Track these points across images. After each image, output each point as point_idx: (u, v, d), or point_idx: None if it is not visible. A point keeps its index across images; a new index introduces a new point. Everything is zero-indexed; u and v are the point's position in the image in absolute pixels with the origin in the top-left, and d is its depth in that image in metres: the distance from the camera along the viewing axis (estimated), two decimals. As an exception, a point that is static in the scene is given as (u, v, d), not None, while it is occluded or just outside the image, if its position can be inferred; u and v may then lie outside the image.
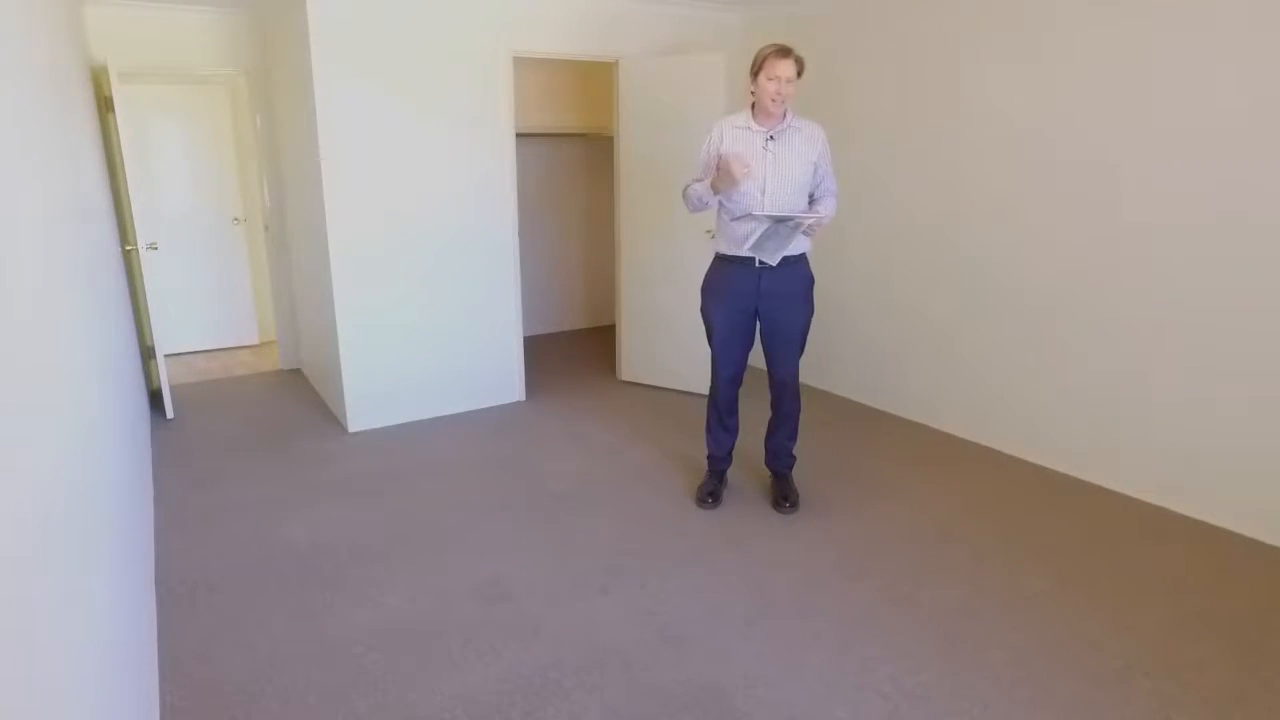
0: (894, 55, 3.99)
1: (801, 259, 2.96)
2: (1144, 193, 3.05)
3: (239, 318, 5.83)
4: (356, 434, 4.02)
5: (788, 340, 3.00)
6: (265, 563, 2.75)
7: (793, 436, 3.17)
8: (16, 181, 1.35)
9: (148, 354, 4.47)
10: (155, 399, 4.39)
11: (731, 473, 3.38)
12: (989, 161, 3.60)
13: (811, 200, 2.96)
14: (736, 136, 2.87)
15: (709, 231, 3.16)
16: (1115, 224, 3.16)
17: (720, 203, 2.95)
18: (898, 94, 4.00)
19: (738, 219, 2.86)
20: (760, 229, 2.78)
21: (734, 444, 3.25)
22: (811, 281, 3.02)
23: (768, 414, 3.18)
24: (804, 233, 2.83)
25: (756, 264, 2.87)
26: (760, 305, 2.96)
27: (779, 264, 2.86)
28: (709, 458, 3.25)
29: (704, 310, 3.09)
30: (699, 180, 2.95)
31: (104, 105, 4.20)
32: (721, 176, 2.78)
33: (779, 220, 2.75)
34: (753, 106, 2.88)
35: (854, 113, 4.23)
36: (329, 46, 3.61)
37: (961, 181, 3.74)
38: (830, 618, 2.41)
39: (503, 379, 4.46)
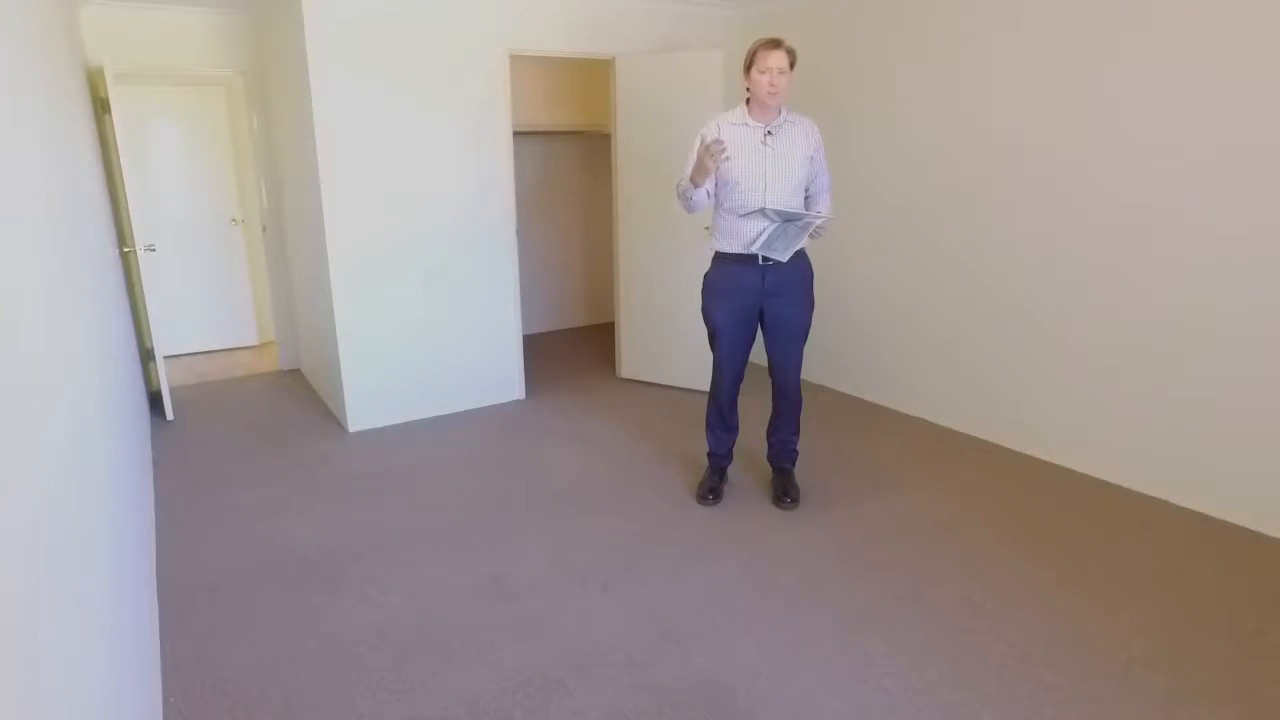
0: (892, 52, 3.98)
1: (801, 254, 2.95)
2: (1144, 189, 3.05)
3: (238, 319, 5.83)
4: (356, 434, 4.02)
5: (791, 337, 3.00)
6: (266, 563, 2.75)
7: (795, 432, 3.17)
8: (17, 183, 1.34)
9: (147, 356, 4.47)
10: (155, 401, 4.39)
11: (732, 469, 3.38)
12: (989, 158, 3.60)
13: (806, 196, 2.96)
14: (734, 133, 2.86)
15: (707, 228, 3.17)
16: (1116, 220, 3.15)
17: (720, 201, 2.94)
18: (896, 90, 3.99)
19: (745, 216, 2.85)
20: (770, 227, 2.78)
21: (735, 441, 3.25)
22: (812, 276, 3.02)
23: (768, 410, 3.19)
24: (812, 234, 2.83)
25: (760, 261, 2.86)
26: (765, 303, 2.95)
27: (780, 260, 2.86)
28: (710, 455, 3.25)
29: (705, 310, 3.07)
30: (684, 179, 2.92)
31: (100, 107, 4.20)
32: (698, 167, 2.74)
33: (789, 219, 2.75)
34: (747, 102, 2.87)
35: (853, 110, 4.23)
36: (325, 46, 3.60)
37: (961, 178, 3.74)
38: (832, 613, 2.41)
39: (502, 378, 4.46)
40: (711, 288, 3.04)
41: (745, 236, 2.86)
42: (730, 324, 3.00)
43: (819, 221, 2.76)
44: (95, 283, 2.61)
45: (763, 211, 2.80)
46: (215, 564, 2.75)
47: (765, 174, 2.83)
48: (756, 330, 3.05)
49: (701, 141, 2.90)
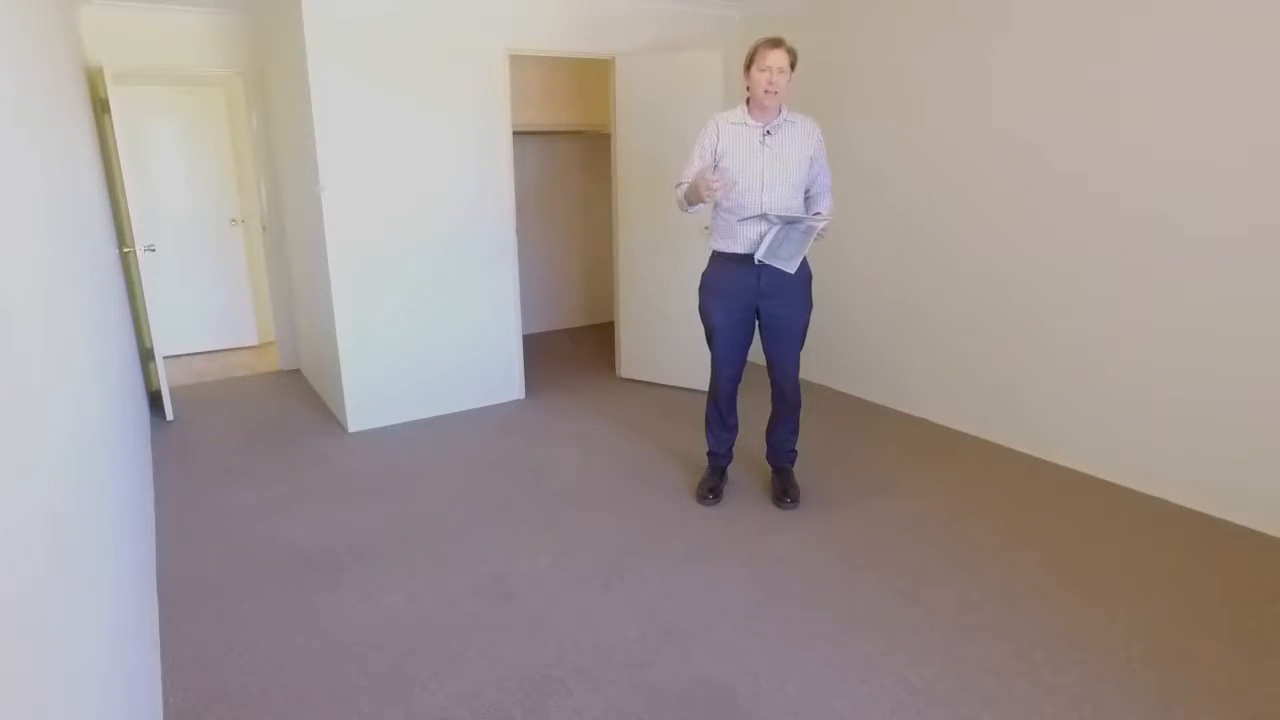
0: (892, 52, 3.98)
1: (800, 254, 2.96)
2: (1143, 188, 3.05)
3: (238, 319, 5.83)
4: (356, 434, 4.02)
5: (788, 337, 2.99)
6: (266, 563, 2.75)
7: (794, 432, 3.17)
8: (17, 183, 1.35)
9: (147, 356, 4.47)
10: (155, 401, 4.39)
11: (732, 468, 3.38)
12: (988, 157, 3.60)
13: (807, 196, 2.96)
14: (733, 132, 2.86)
15: (706, 228, 3.17)
16: (1115, 219, 3.15)
17: (719, 200, 2.95)
18: (896, 90, 3.99)
19: (745, 220, 2.85)
20: (771, 232, 2.77)
21: (734, 440, 3.25)
22: (810, 278, 3.01)
23: (768, 410, 3.19)
24: (815, 237, 2.82)
25: (756, 261, 2.86)
26: (760, 303, 2.95)
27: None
28: (709, 454, 3.25)
29: (703, 309, 3.08)
30: (683, 183, 2.94)
31: (100, 107, 4.20)
32: (691, 191, 2.81)
33: (789, 222, 2.74)
34: (748, 102, 2.88)
35: (852, 109, 4.23)
36: (324, 46, 3.60)
37: (961, 177, 3.74)
38: (832, 612, 2.41)
39: (502, 377, 4.46)
40: (708, 287, 3.05)
41: (744, 238, 2.87)
42: (726, 323, 3.00)
43: (821, 225, 2.75)
44: (95, 283, 2.62)
45: (763, 216, 2.81)
46: (215, 564, 2.75)
47: (763, 174, 2.83)
48: (754, 330, 3.05)
49: (703, 142, 2.91)
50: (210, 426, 4.20)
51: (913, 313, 4.11)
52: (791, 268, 2.79)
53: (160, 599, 2.54)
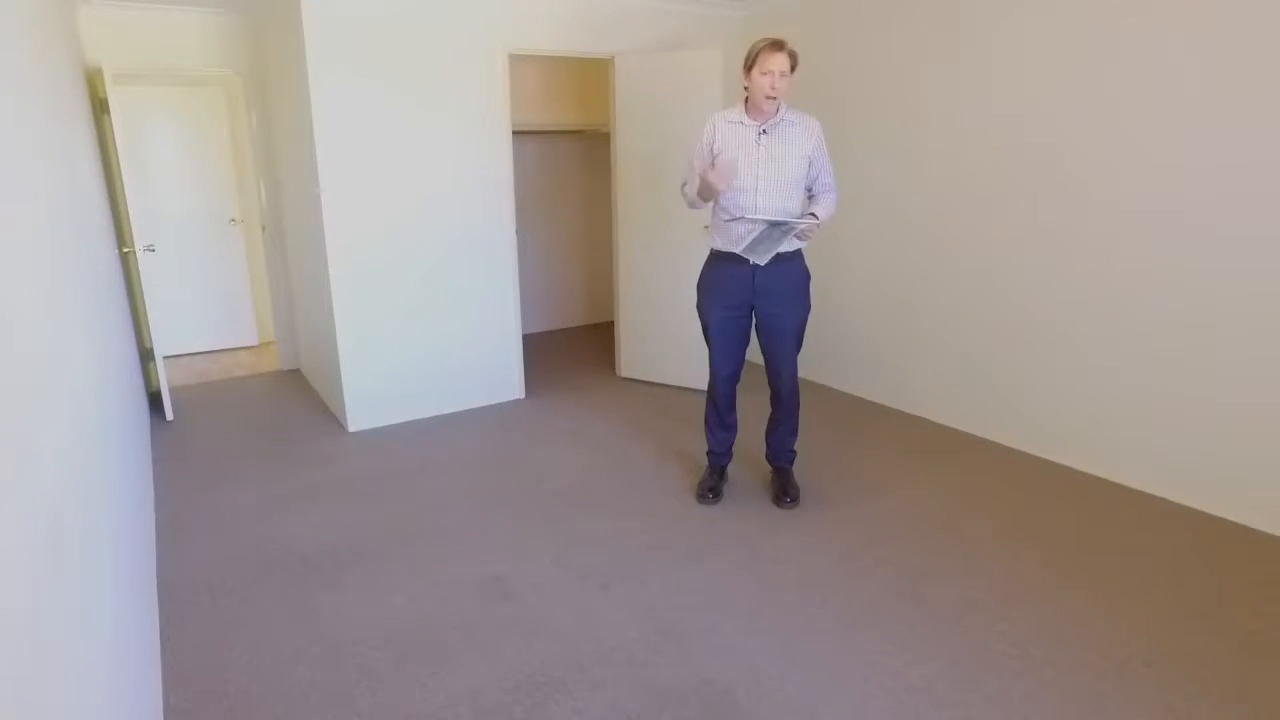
0: (891, 50, 3.98)
1: (797, 255, 2.95)
2: (1144, 187, 3.05)
3: (237, 319, 5.83)
4: (356, 434, 4.02)
5: (784, 337, 2.99)
6: (266, 563, 2.75)
7: (793, 432, 3.17)
8: (17, 183, 1.35)
9: (146, 356, 4.47)
10: (155, 401, 4.39)
11: (732, 468, 3.38)
12: (989, 156, 3.60)
13: (810, 195, 2.96)
14: (729, 131, 2.86)
15: (706, 227, 3.18)
16: (1116, 219, 3.16)
17: (716, 200, 2.95)
18: (895, 89, 4.00)
19: (733, 220, 2.86)
20: (755, 231, 2.78)
21: (734, 440, 3.25)
22: (807, 278, 3.01)
23: (768, 409, 3.19)
24: (797, 236, 2.83)
25: (750, 261, 2.86)
26: (756, 302, 2.95)
27: (773, 260, 2.86)
28: (709, 454, 3.25)
29: (700, 308, 3.08)
30: (688, 183, 2.96)
31: (99, 107, 4.20)
32: (704, 186, 2.81)
33: (774, 224, 2.74)
34: (745, 101, 2.88)
35: (852, 108, 4.23)
36: (324, 46, 3.60)
37: (961, 176, 3.74)
38: (832, 612, 2.42)
39: (502, 377, 4.46)
40: (705, 285, 3.05)
41: (735, 236, 2.87)
42: (721, 322, 3.00)
43: (802, 226, 2.75)
44: (95, 283, 2.62)
45: (745, 217, 2.81)
46: (215, 564, 2.75)
47: (757, 173, 2.82)
48: (750, 329, 3.05)
49: (703, 140, 2.91)
50: (210, 426, 4.20)
51: (913, 312, 4.11)
52: (762, 261, 2.80)
53: (160, 599, 2.54)
